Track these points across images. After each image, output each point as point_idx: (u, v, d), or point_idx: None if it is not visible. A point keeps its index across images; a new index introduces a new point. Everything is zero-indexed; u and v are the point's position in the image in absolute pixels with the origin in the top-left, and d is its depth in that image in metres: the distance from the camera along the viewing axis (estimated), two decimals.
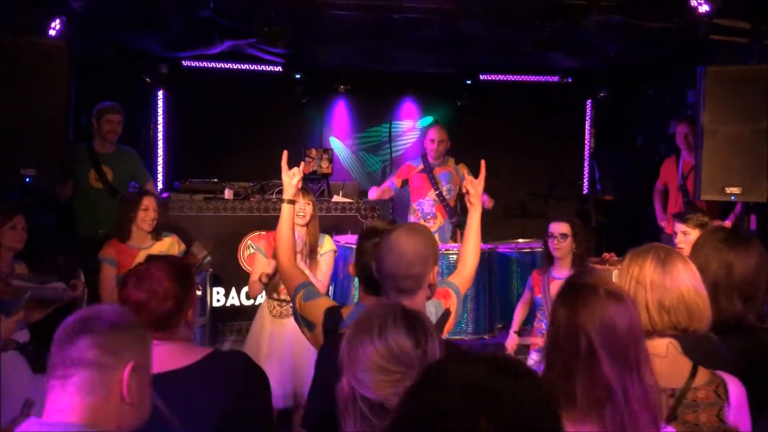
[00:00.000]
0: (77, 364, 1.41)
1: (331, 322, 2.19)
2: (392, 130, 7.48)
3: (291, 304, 3.81)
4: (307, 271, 3.74)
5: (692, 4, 4.56)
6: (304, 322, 2.31)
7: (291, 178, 2.60)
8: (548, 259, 4.02)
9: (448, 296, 2.36)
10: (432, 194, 5.59)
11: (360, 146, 8.19)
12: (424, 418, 0.86)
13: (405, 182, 5.77)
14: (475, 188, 2.60)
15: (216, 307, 5.68)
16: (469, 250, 2.57)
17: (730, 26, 4.78)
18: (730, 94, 4.57)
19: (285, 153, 2.66)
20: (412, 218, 5.69)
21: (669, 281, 1.78)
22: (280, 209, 2.62)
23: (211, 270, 5.29)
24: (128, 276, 1.96)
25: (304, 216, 3.84)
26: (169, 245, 4.22)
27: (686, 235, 3.70)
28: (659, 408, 1.54)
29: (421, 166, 5.69)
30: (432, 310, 2.22)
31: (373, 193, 5.68)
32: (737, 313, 2.05)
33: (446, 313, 2.26)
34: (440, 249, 5.13)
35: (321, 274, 3.89)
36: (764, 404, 1.74)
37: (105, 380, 1.42)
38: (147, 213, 4.09)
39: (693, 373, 1.73)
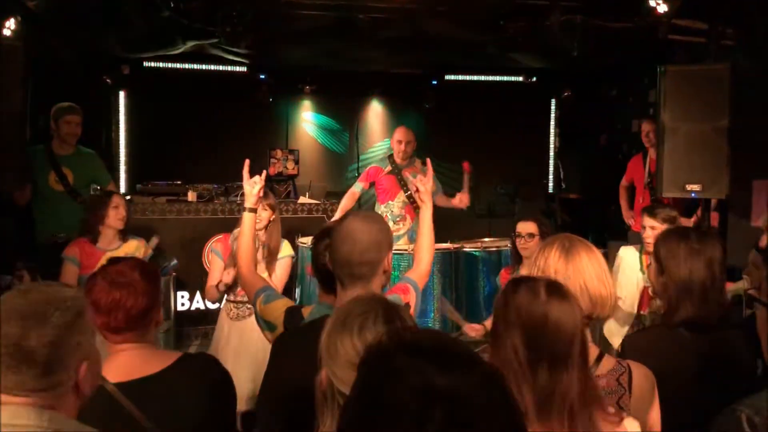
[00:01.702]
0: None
1: (291, 321, 2.19)
2: (358, 130, 7.49)
3: (248, 306, 3.78)
4: (264, 275, 3.71)
5: (651, 4, 4.63)
6: (265, 324, 2.30)
7: (252, 187, 2.59)
8: (516, 258, 4.05)
9: (407, 291, 2.39)
10: (401, 196, 5.59)
11: (327, 147, 8.17)
12: (374, 419, 0.83)
13: (372, 184, 5.76)
14: (425, 185, 2.63)
15: (180, 311, 5.60)
16: (424, 246, 2.60)
17: (689, 26, 4.87)
18: (689, 92, 4.65)
19: (247, 162, 2.65)
20: None
21: (572, 270, 1.81)
22: (243, 211, 2.61)
23: (174, 274, 5.22)
24: (97, 276, 1.93)
25: (260, 221, 3.80)
26: (135, 248, 4.14)
27: (654, 230, 3.73)
28: (605, 404, 1.55)
29: (389, 168, 5.69)
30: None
31: (338, 214, 5.62)
32: (726, 304, 2.11)
33: (406, 308, 2.29)
34: (408, 249, 5.17)
35: (276, 279, 3.86)
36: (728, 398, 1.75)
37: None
38: (118, 211, 4.00)
39: (597, 361, 1.76)
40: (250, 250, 2.55)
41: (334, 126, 8.17)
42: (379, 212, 5.74)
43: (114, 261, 2.02)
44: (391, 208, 5.60)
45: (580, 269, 1.83)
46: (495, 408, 0.84)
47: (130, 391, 1.75)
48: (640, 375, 1.76)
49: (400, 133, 5.64)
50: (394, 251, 5.16)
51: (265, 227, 3.83)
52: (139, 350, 1.88)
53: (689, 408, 1.87)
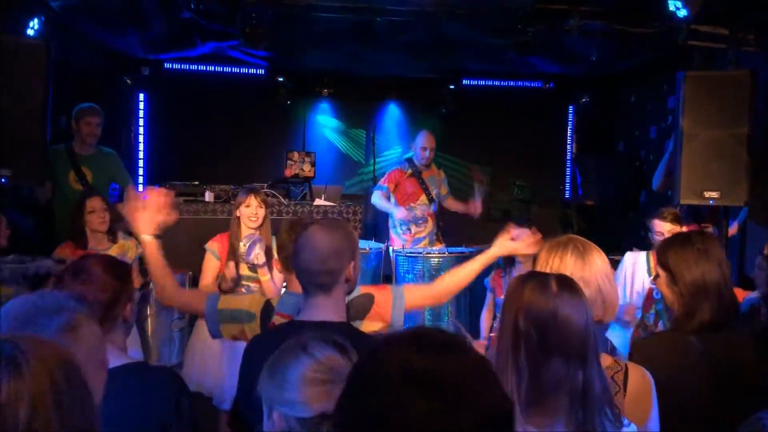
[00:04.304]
0: None
1: (267, 310, 2.25)
2: (375, 134, 7.52)
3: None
4: (266, 277, 3.67)
5: (671, 9, 4.59)
6: (240, 315, 2.26)
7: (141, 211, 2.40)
8: (508, 260, 4.08)
9: (380, 288, 2.39)
10: (423, 198, 5.65)
11: (344, 150, 8.19)
12: (364, 411, 0.87)
13: (395, 187, 5.78)
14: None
15: None
16: (453, 278, 2.65)
17: (709, 32, 4.82)
18: (709, 99, 4.59)
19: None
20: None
21: (588, 273, 1.81)
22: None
23: (190, 273, 5.25)
24: (65, 270, 1.97)
25: (256, 219, 3.79)
26: (125, 248, 4.14)
27: (672, 232, 3.78)
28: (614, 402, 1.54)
29: (410, 171, 5.72)
30: (356, 295, 2.28)
31: (401, 212, 5.62)
32: (738, 304, 2.12)
33: (366, 296, 2.29)
34: (422, 252, 5.17)
35: (276, 276, 3.80)
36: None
37: None
38: (95, 215, 4.00)
39: None
40: (170, 273, 2.40)
41: (351, 129, 8.18)
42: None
43: (84, 257, 2.07)
44: (413, 211, 5.62)
45: (596, 272, 1.84)
46: (478, 391, 0.86)
47: None
48: (637, 375, 1.73)
49: (424, 140, 5.68)
50: (415, 254, 5.17)
51: (260, 226, 3.80)
52: None
53: (701, 416, 1.84)
